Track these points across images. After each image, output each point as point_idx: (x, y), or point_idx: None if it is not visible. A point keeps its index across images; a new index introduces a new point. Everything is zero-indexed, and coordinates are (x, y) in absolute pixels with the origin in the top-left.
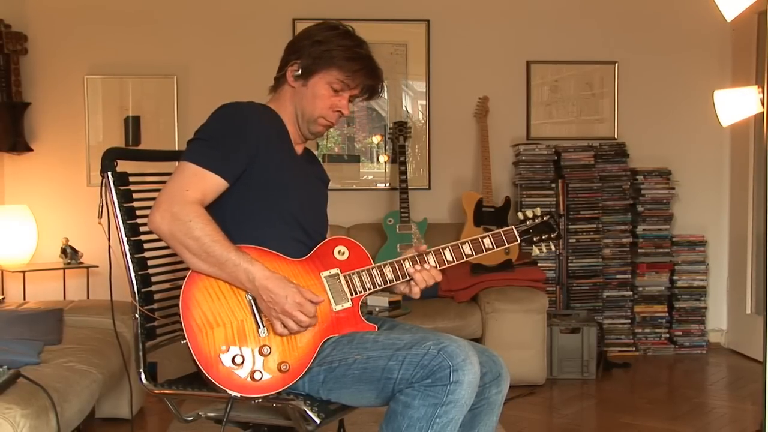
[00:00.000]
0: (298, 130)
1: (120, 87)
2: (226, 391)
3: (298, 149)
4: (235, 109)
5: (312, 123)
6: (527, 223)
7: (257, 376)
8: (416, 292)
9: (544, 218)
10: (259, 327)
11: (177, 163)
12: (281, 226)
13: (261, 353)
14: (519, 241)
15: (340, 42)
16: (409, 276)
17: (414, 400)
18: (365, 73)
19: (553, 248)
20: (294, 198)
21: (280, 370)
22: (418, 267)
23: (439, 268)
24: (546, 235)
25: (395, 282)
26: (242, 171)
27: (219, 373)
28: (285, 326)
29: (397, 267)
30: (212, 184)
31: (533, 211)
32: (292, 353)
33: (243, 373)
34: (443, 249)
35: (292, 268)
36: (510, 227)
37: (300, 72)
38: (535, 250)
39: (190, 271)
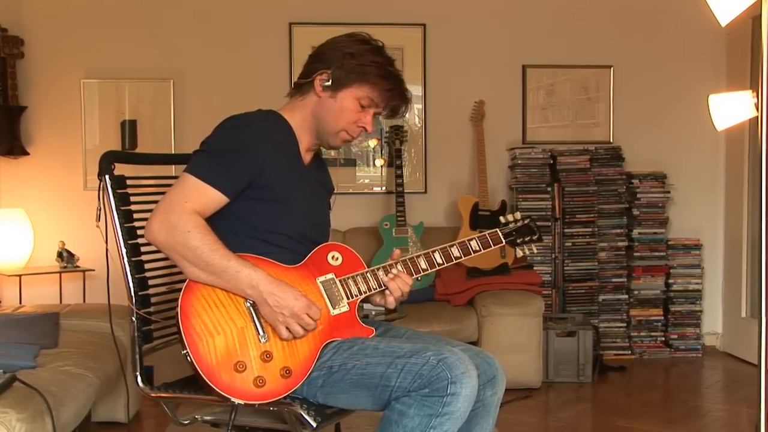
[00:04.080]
0: (313, 138)
1: (116, 90)
2: (230, 399)
3: (308, 157)
4: (242, 123)
5: (333, 136)
6: (510, 225)
7: (260, 382)
8: (390, 301)
9: (525, 221)
10: (259, 333)
11: (174, 166)
12: (281, 241)
13: (263, 359)
14: (504, 243)
15: (373, 58)
16: (385, 285)
17: (410, 408)
18: (396, 94)
19: (535, 250)
20: (296, 213)
21: (282, 375)
22: (391, 275)
23: (430, 271)
24: (528, 238)
25: (376, 290)
26: (244, 187)
27: (222, 381)
28: (290, 330)
29: (390, 270)
30: (212, 198)
31: (513, 216)
32: (293, 358)
33: (246, 380)
34: (433, 252)
35: (287, 274)
36: (494, 230)
37: (330, 83)
38: (519, 252)
39: (187, 281)
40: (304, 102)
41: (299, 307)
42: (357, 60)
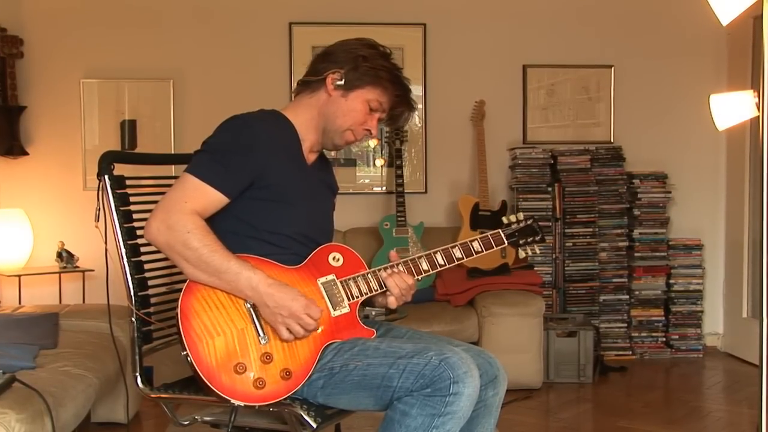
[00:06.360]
0: (318, 137)
1: (116, 90)
2: (229, 401)
3: (312, 157)
4: (244, 123)
5: (338, 135)
6: (512, 226)
7: (260, 384)
8: (391, 301)
9: (528, 222)
10: (259, 335)
11: (174, 167)
12: (282, 241)
13: (263, 361)
14: (506, 244)
15: (384, 63)
16: (384, 282)
17: (412, 408)
18: (403, 101)
19: (537, 251)
20: (297, 214)
21: (282, 377)
22: (389, 272)
23: (431, 272)
24: (531, 238)
25: (377, 291)
26: (245, 188)
27: (222, 383)
28: (290, 331)
29: (391, 271)
30: (212, 199)
31: (516, 216)
32: (293, 360)
33: (246, 381)
34: (434, 253)
35: (288, 275)
36: (497, 231)
37: (343, 82)
38: (521, 253)
39: (187, 282)
40: (312, 100)
41: (297, 308)
42: (370, 63)
